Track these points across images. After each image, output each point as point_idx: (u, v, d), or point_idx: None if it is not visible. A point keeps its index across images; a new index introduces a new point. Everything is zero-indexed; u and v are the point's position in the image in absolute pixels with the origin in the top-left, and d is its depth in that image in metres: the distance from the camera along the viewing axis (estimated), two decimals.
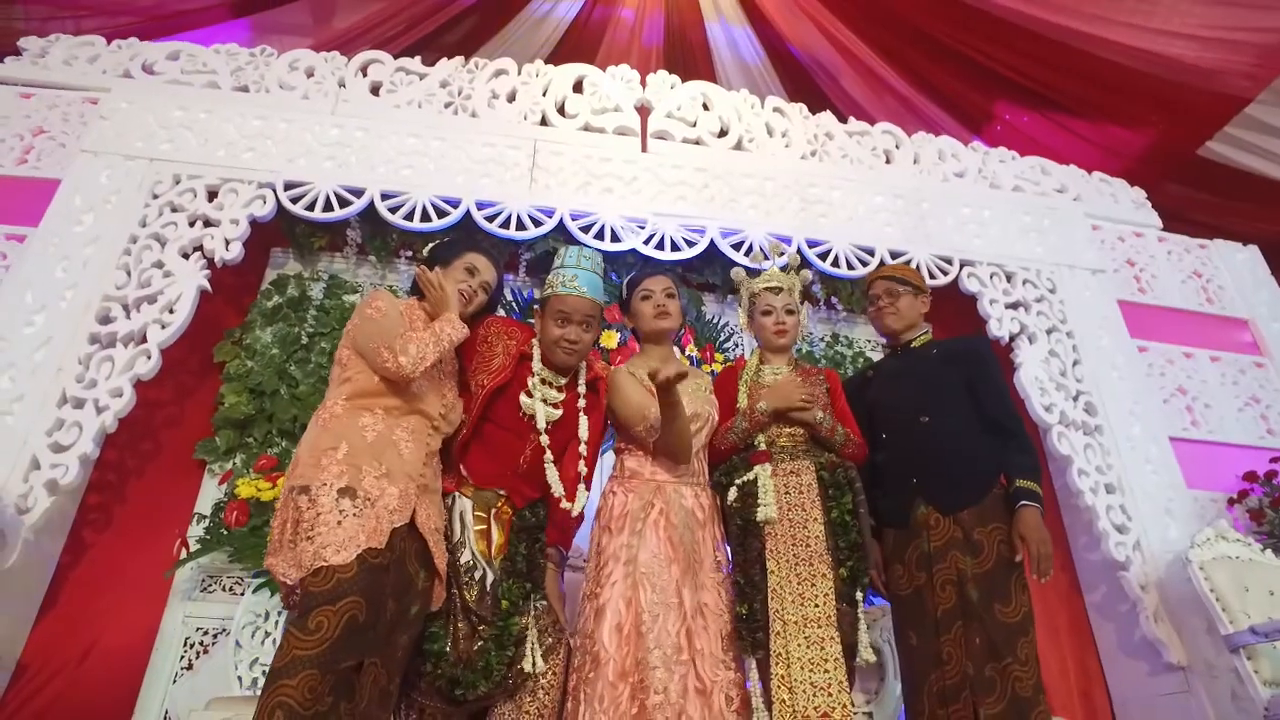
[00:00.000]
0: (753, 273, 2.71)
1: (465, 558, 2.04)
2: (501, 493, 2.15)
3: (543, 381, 2.23)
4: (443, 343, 2.03)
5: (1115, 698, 3.37)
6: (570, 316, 2.21)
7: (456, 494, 2.13)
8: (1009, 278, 3.91)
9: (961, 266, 3.86)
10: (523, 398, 2.18)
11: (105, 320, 2.97)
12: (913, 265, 3.75)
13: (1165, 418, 3.67)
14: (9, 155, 3.36)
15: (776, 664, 2.06)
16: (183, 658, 2.79)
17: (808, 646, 2.07)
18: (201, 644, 2.82)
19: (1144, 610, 3.11)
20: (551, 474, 2.14)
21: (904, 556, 2.31)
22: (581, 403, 2.26)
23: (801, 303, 2.62)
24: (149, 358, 2.90)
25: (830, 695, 2.02)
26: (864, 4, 4.59)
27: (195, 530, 2.93)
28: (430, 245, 2.37)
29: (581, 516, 2.36)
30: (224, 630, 2.81)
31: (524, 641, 2.00)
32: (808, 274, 2.65)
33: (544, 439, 2.16)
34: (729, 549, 2.32)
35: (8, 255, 3.07)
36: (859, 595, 2.18)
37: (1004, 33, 4.47)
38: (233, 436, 3.17)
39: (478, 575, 2.03)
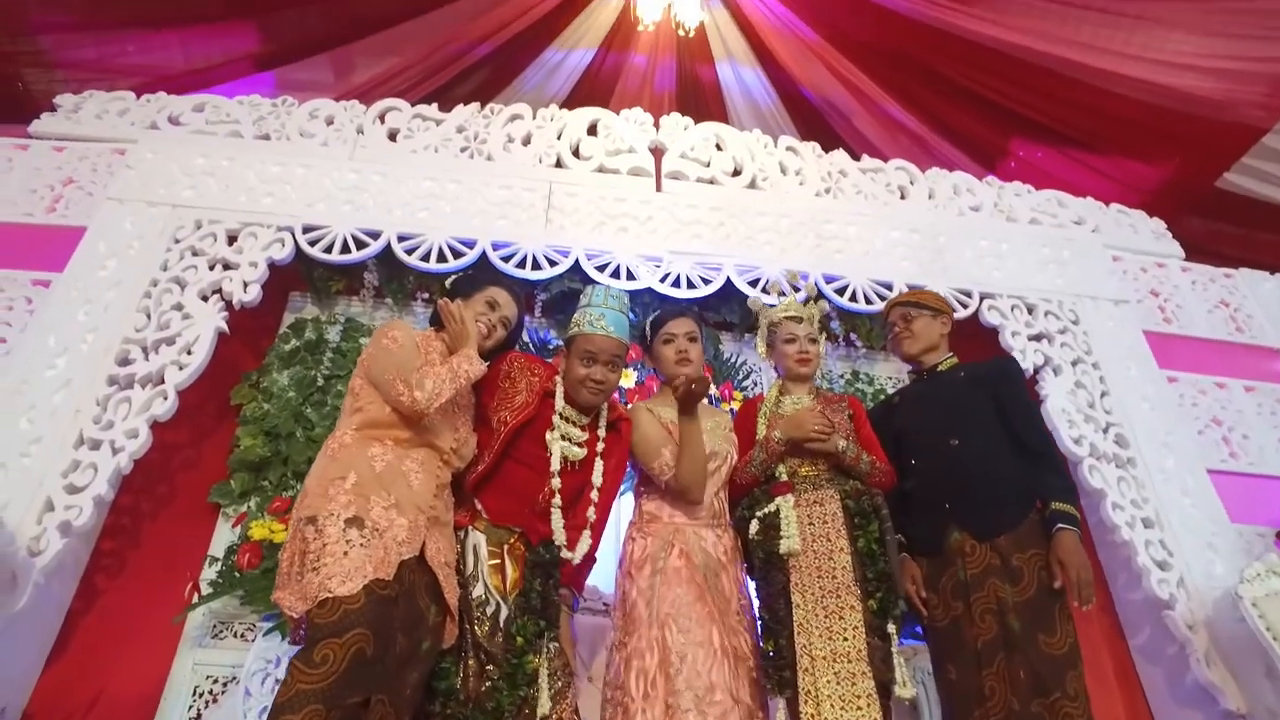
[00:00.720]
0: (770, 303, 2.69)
1: (478, 592, 1.98)
2: (516, 530, 2.10)
3: (565, 420, 2.20)
4: (459, 379, 2.01)
5: None
6: (597, 356, 2.19)
7: (469, 528, 2.08)
8: (1030, 310, 3.85)
9: (981, 299, 3.81)
10: (547, 435, 2.15)
11: (124, 362, 2.98)
12: None
13: (1201, 449, 3.55)
14: (39, 205, 3.44)
15: (805, 702, 1.97)
16: (191, 707, 2.72)
17: (838, 683, 1.98)
18: (211, 693, 2.75)
19: (1194, 652, 2.95)
20: (556, 519, 2.09)
21: (939, 585, 2.21)
22: (600, 446, 2.23)
23: (823, 333, 2.58)
24: (166, 399, 2.90)
25: None
26: (875, 45, 4.65)
27: (208, 573, 2.88)
28: (452, 278, 2.37)
29: (594, 558, 2.30)
30: (234, 678, 2.74)
31: (536, 683, 1.91)
32: (825, 305, 2.62)
33: (555, 481, 2.11)
34: (753, 586, 2.24)
35: (33, 300, 3.11)
36: (891, 628, 2.09)
37: (1017, 70, 4.50)
38: (248, 479, 3.15)
39: (490, 610, 1.96)
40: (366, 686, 1.62)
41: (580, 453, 2.18)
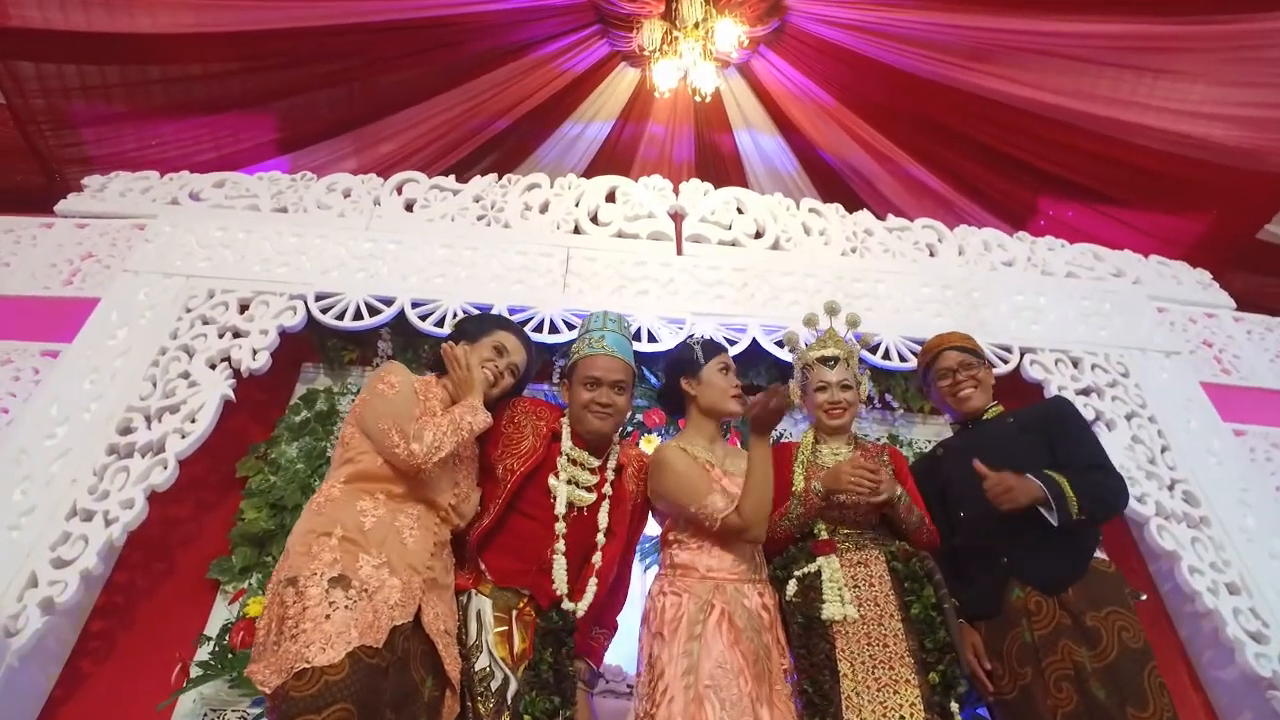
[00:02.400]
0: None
1: (482, 663, 1.76)
2: (525, 592, 1.89)
3: (572, 462, 2.01)
4: (462, 432, 1.85)
5: None
6: (600, 379, 2.03)
7: (473, 592, 1.87)
8: (1075, 363, 3.63)
9: (1022, 354, 3.61)
10: (550, 479, 1.96)
11: (126, 431, 2.87)
12: None
13: None
14: (57, 278, 3.44)
15: None
16: None
17: None
18: None
19: None
20: (559, 567, 1.87)
21: (1001, 651, 1.93)
22: (607, 489, 2.03)
23: (864, 373, 2.39)
24: (165, 468, 2.77)
25: None
26: (894, 107, 4.64)
27: (201, 654, 2.66)
28: (457, 320, 2.24)
29: (615, 625, 2.07)
30: None
31: None
32: (871, 337, 2.42)
33: (560, 526, 1.91)
34: (792, 654, 1.98)
35: (40, 370, 3.04)
36: (955, 707, 1.81)
37: (1039, 126, 4.44)
38: (250, 554, 2.96)
39: (496, 684, 1.73)
40: None
41: (589, 498, 1.99)
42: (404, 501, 1.78)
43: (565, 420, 2.09)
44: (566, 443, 2.04)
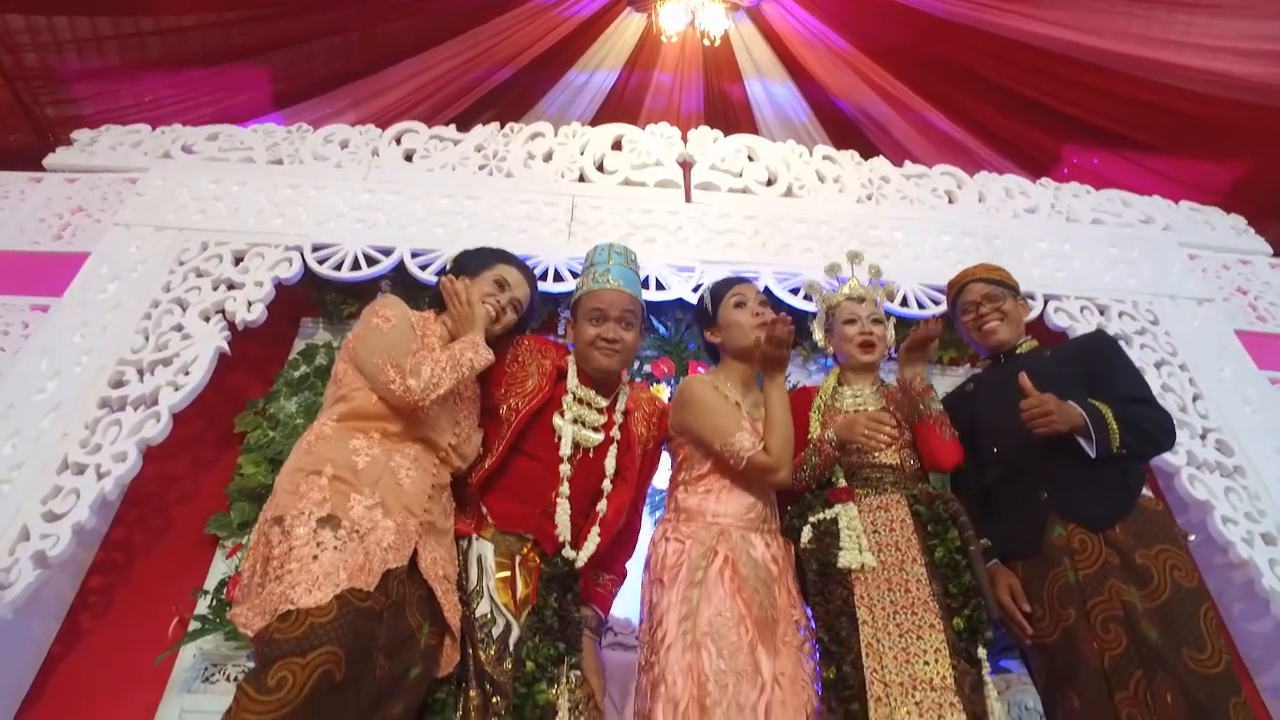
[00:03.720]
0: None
1: (483, 609, 1.66)
2: (529, 537, 1.79)
3: (579, 401, 1.90)
4: (462, 368, 1.74)
5: None
6: (606, 312, 1.92)
7: (474, 536, 1.77)
8: (1102, 311, 3.48)
9: (1046, 301, 3.46)
10: (555, 419, 1.86)
11: (118, 384, 2.78)
12: None
13: None
14: (46, 233, 3.34)
15: None
16: None
17: (920, 716, 1.59)
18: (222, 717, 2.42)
19: None
20: (562, 510, 1.77)
21: (1040, 593, 1.80)
22: (615, 432, 1.92)
23: (889, 318, 2.26)
24: (158, 420, 2.68)
25: None
26: (910, 51, 4.43)
27: (201, 608, 2.60)
28: (457, 254, 2.13)
29: (623, 572, 1.97)
30: None
31: (551, 718, 1.57)
32: (894, 285, 2.30)
33: (565, 468, 1.80)
34: (807, 605, 1.87)
35: (29, 325, 2.95)
36: (981, 652, 1.70)
37: (1065, 68, 4.23)
38: (248, 509, 2.89)
39: (498, 630, 1.64)
40: (334, 718, 1.30)
41: (595, 438, 1.88)
42: (400, 441, 1.68)
43: (571, 358, 1.98)
44: (572, 381, 1.94)
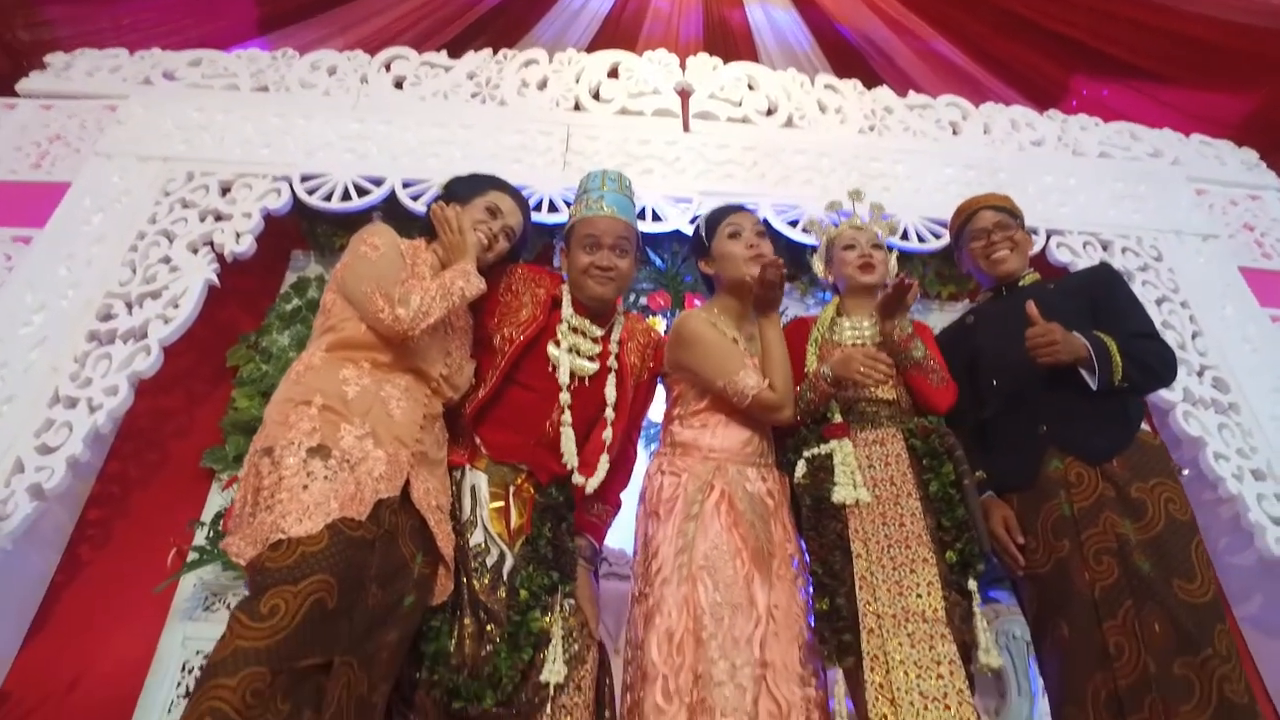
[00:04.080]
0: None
1: (476, 538, 1.67)
2: (523, 468, 1.79)
3: (573, 330, 1.88)
4: (452, 297, 1.70)
5: None
6: (600, 239, 1.88)
7: (467, 467, 1.76)
8: (1105, 246, 3.43)
9: (1049, 236, 3.41)
10: (550, 348, 1.83)
11: (106, 317, 2.74)
12: None
13: None
14: (24, 162, 3.24)
15: (873, 670, 1.61)
16: (180, 684, 2.46)
17: (912, 646, 1.61)
18: (201, 668, 2.47)
19: None
20: (567, 438, 1.76)
21: (1035, 525, 1.81)
22: (611, 362, 1.89)
23: (891, 251, 2.22)
24: (149, 354, 2.66)
25: (947, 709, 1.54)
26: None
27: (198, 539, 2.62)
28: (448, 180, 2.07)
29: (618, 502, 1.97)
30: None
31: (544, 646, 1.58)
32: (896, 221, 2.25)
33: (565, 396, 1.78)
34: (801, 539, 1.88)
35: (12, 256, 2.90)
36: (973, 585, 1.72)
37: None
38: (243, 443, 2.88)
39: (491, 560, 1.65)
40: (327, 646, 1.31)
41: (591, 367, 1.86)
42: (391, 371, 1.66)
43: (566, 287, 1.94)
44: (567, 310, 1.90)
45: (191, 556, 2.52)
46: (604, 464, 1.80)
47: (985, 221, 2.15)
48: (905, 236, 3.31)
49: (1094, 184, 3.66)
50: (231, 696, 1.18)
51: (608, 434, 1.84)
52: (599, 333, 1.93)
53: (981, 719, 2.05)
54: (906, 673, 1.58)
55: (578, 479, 1.74)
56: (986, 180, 3.59)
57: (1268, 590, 2.79)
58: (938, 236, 3.33)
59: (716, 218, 2.05)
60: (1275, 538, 2.66)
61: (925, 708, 1.54)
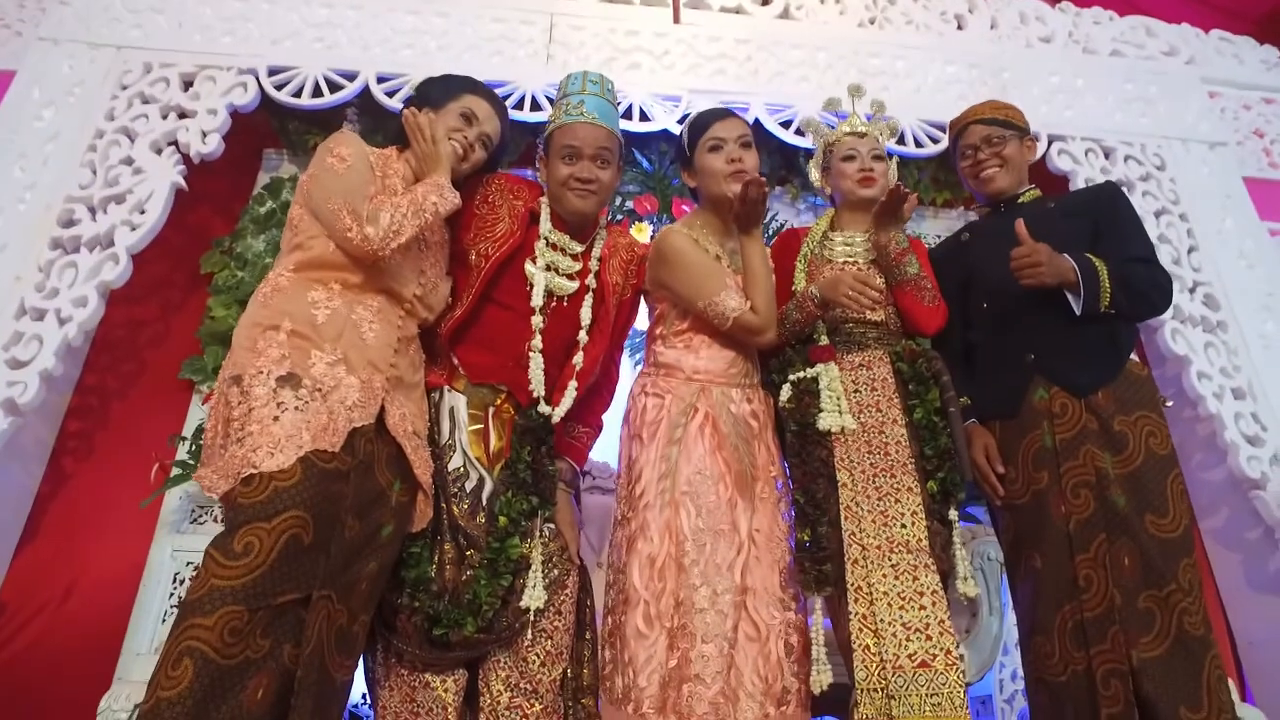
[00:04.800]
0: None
1: (455, 462, 1.65)
2: (502, 389, 1.75)
3: (552, 246, 1.80)
4: (425, 214, 1.61)
5: (1240, 639, 2.88)
6: (580, 150, 1.77)
7: (445, 388, 1.73)
8: (1107, 154, 3.32)
9: (1051, 142, 3.28)
10: (527, 265, 1.76)
11: (68, 224, 2.63)
12: None
13: None
14: None
15: (857, 601, 1.64)
16: (172, 594, 2.51)
17: (895, 578, 1.64)
18: (192, 579, 2.52)
19: None
20: (535, 365, 1.71)
21: (1015, 456, 1.81)
22: (591, 280, 1.83)
23: (891, 157, 2.11)
24: (117, 262, 2.56)
25: (928, 639, 1.58)
26: None
27: (181, 454, 2.61)
28: (419, 82, 1.93)
29: (600, 424, 1.96)
30: None
31: (524, 571, 1.60)
32: (897, 122, 2.14)
33: (537, 319, 1.73)
34: (785, 462, 1.88)
35: None
36: (953, 514, 1.74)
37: None
38: (221, 353, 2.80)
39: (470, 484, 1.64)
40: (304, 581, 1.31)
41: (570, 286, 1.80)
42: (362, 292, 1.59)
43: (545, 200, 1.85)
44: (546, 225, 1.81)
45: (175, 472, 2.51)
46: (571, 391, 1.75)
47: (974, 137, 2.05)
48: (902, 141, 3.19)
49: (1103, 85, 3.49)
50: (209, 635, 1.19)
51: (578, 359, 1.79)
52: (579, 248, 1.85)
53: (959, 644, 2.16)
54: (890, 604, 1.62)
55: (544, 408, 1.71)
56: (990, 80, 3.43)
57: (1233, 505, 2.86)
58: (935, 141, 3.21)
59: (698, 128, 1.93)
60: (1248, 457, 2.71)
61: (908, 638, 1.59)
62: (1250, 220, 3.23)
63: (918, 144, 3.20)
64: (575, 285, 1.81)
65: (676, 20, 3.41)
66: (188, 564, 2.56)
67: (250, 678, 1.24)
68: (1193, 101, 3.52)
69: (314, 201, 1.59)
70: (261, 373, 1.41)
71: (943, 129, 3.22)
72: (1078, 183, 3.19)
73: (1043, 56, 3.57)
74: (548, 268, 1.77)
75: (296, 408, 1.39)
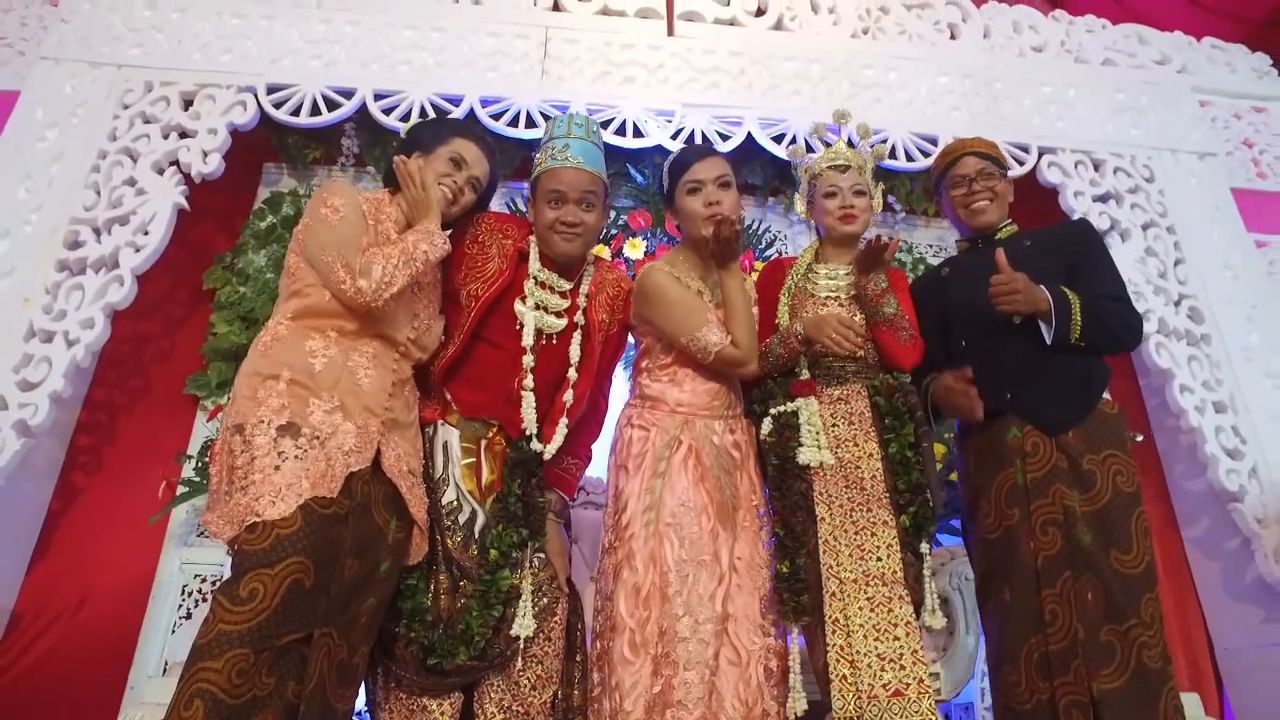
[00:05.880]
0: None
1: (449, 496, 1.73)
2: (494, 423, 1.82)
3: (541, 285, 1.86)
4: (415, 263, 1.67)
5: (1219, 647, 2.97)
6: (565, 195, 1.83)
7: (439, 423, 1.80)
8: (1097, 166, 3.35)
9: (1041, 155, 3.32)
10: (517, 304, 1.83)
11: (74, 245, 2.70)
12: None
13: None
14: None
15: (834, 633, 1.71)
16: (180, 606, 2.62)
17: (871, 610, 1.71)
18: (200, 591, 2.63)
19: (1260, 548, 2.68)
20: (528, 403, 1.78)
21: (990, 491, 1.88)
22: (579, 317, 1.90)
23: (877, 184, 2.16)
24: (122, 284, 2.64)
25: (902, 669, 1.66)
26: None
27: (187, 472, 2.70)
28: (410, 127, 1.99)
29: (588, 455, 2.03)
30: (221, 577, 2.60)
31: (515, 601, 1.68)
32: (883, 149, 2.19)
33: (528, 359, 1.80)
34: (766, 493, 1.95)
35: None
36: (924, 547, 1.81)
37: None
38: (225, 369, 2.90)
39: (463, 518, 1.72)
40: (306, 621, 1.40)
41: (558, 324, 1.86)
42: (358, 339, 1.66)
43: (533, 239, 1.91)
44: (534, 264, 1.87)
45: (181, 490, 2.59)
46: (562, 428, 1.82)
47: (968, 168, 2.10)
48: (894, 155, 3.22)
49: (1094, 95, 3.52)
50: (218, 678, 1.27)
51: (568, 396, 1.85)
52: (567, 286, 1.91)
53: (934, 666, 2.25)
54: (865, 636, 1.69)
55: (536, 445, 1.78)
56: (982, 91, 3.46)
57: (1214, 514, 2.92)
58: (926, 154, 3.24)
59: (677, 169, 1.98)
60: (1227, 470, 2.77)
61: (883, 669, 1.67)
62: (1237, 232, 3.28)
63: (909, 158, 3.24)
64: (564, 323, 1.87)
65: (671, 33, 3.44)
66: (195, 576, 2.66)
67: (257, 714, 1.33)
68: (1184, 111, 3.55)
69: (309, 252, 1.65)
70: (263, 422, 1.48)
71: (934, 141, 3.27)
72: (1066, 196, 3.24)
73: (1035, 66, 3.59)
74: (537, 306, 1.84)
75: (296, 456, 1.46)
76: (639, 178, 3.38)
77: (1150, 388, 3.22)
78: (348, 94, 3.09)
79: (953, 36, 3.65)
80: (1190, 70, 3.69)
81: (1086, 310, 1.85)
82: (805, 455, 1.80)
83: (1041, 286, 1.86)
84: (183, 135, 2.94)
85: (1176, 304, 3.08)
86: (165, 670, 2.47)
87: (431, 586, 1.68)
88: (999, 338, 1.92)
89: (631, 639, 1.68)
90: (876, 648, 1.68)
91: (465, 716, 1.72)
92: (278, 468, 1.44)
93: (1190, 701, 2.33)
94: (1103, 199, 3.28)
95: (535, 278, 1.87)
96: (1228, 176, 3.43)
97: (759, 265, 3.33)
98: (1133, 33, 3.75)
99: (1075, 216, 3.19)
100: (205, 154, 2.90)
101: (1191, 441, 2.92)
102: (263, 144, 3.31)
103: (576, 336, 1.89)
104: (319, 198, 1.70)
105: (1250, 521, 2.71)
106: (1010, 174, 3.21)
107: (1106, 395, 1.92)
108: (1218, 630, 2.98)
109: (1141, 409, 3.35)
